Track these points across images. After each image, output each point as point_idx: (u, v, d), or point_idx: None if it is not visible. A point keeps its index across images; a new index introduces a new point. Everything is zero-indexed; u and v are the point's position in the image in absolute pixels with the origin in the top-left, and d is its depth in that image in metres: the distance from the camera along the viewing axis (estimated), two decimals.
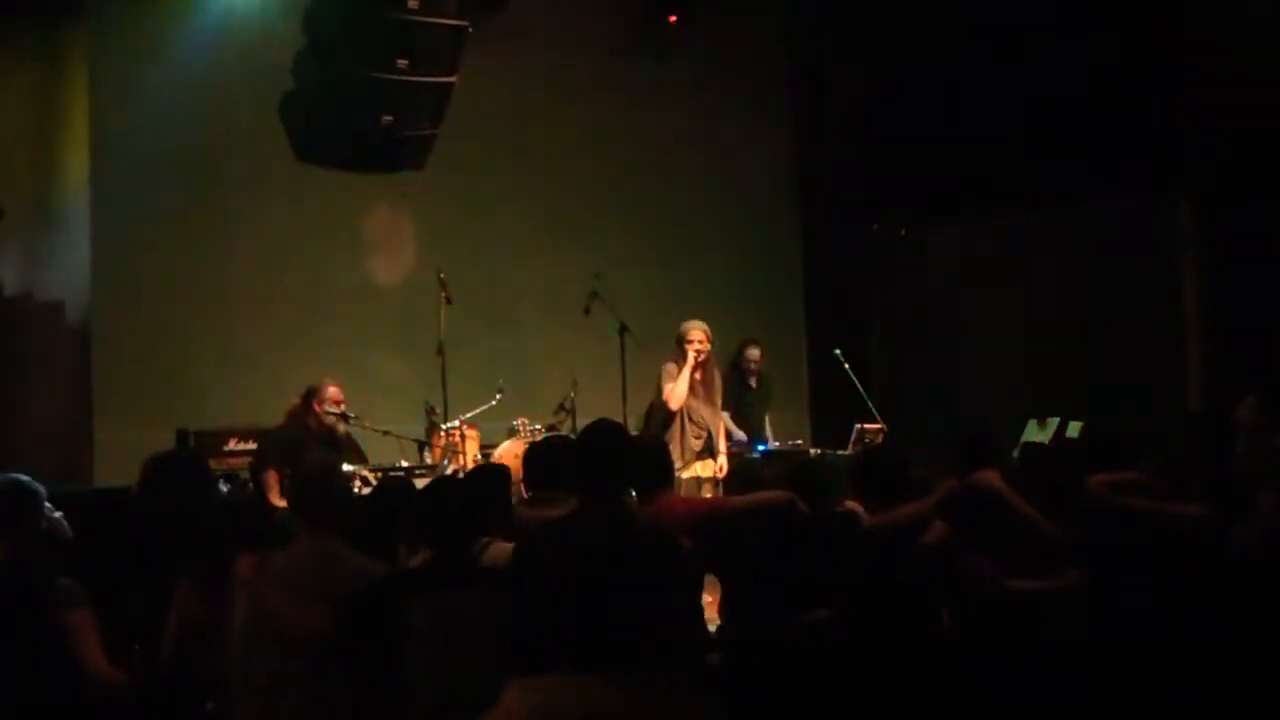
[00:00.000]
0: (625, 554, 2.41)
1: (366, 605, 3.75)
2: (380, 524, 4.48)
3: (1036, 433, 8.33)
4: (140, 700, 3.92)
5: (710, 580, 4.68)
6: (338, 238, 9.33)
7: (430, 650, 3.69)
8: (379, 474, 7.31)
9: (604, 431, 3.82)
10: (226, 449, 7.95)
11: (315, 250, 9.27)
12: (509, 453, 8.15)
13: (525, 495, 4.86)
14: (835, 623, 4.36)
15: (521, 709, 2.30)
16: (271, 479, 7.06)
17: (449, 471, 7.77)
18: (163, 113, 8.66)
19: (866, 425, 8.68)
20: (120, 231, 8.61)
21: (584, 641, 2.34)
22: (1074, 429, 8.19)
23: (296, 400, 7.77)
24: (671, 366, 7.56)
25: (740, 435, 8.59)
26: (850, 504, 4.90)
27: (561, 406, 8.48)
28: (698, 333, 7.58)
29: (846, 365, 8.97)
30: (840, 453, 8.50)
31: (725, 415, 8.27)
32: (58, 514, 4.32)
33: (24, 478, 4.17)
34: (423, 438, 8.34)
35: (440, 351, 8.23)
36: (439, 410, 8.21)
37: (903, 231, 11.08)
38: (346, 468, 7.32)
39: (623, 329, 8.02)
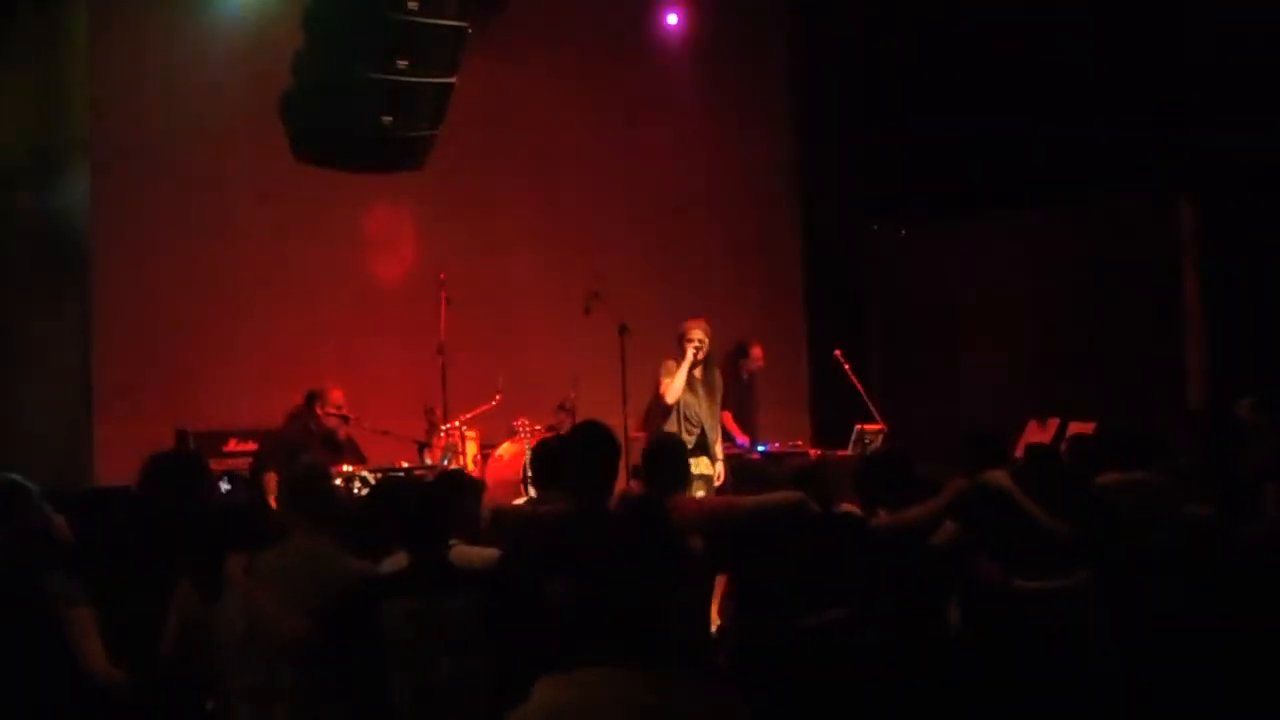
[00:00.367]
0: (646, 550, 2.43)
1: (347, 608, 3.76)
2: (377, 524, 4.49)
3: (1036, 433, 8.33)
4: (140, 700, 3.92)
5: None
6: (338, 238, 9.33)
7: (410, 652, 3.71)
8: (379, 475, 7.31)
9: (598, 431, 3.84)
10: (226, 449, 7.95)
11: (315, 250, 9.26)
12: (509, 453, 8.17)
13: (527, 494, 4.88)
14: (847, 623, 4.36)
15: (555, 704, 2.31)
16: (272, 480, 7.05)
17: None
18: (163, 112, 8.67)
19: (866, 426, 8.68)
20: (120, 231, 8.60)
21: (613, 637, 2.35)
22: (1076, 430, 8.18)
23: (298, 401, 7.78)
24: (671, 363, 7.61)
25: (742, 439, 8.59)
26: (846, 506, 4.91)
27: (561, 406, 8.48)
28: (698, 330, 7.62)
29: (846, 365, 8.97)
30: (840, 453, 8.51)
31: (726, 416, 8.28)
32: (59, 517, 4.32)
33: (15, 476, 4.17)
34: (423, 438, 8.34)
35: (440, 352, 8.23)
36: (439, 411, 8.21)
37: (903, 231, 11.08)
38: (346, 468, 7.35)
39: (623, 329, 8.03)
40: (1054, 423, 8.35)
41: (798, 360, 11.16)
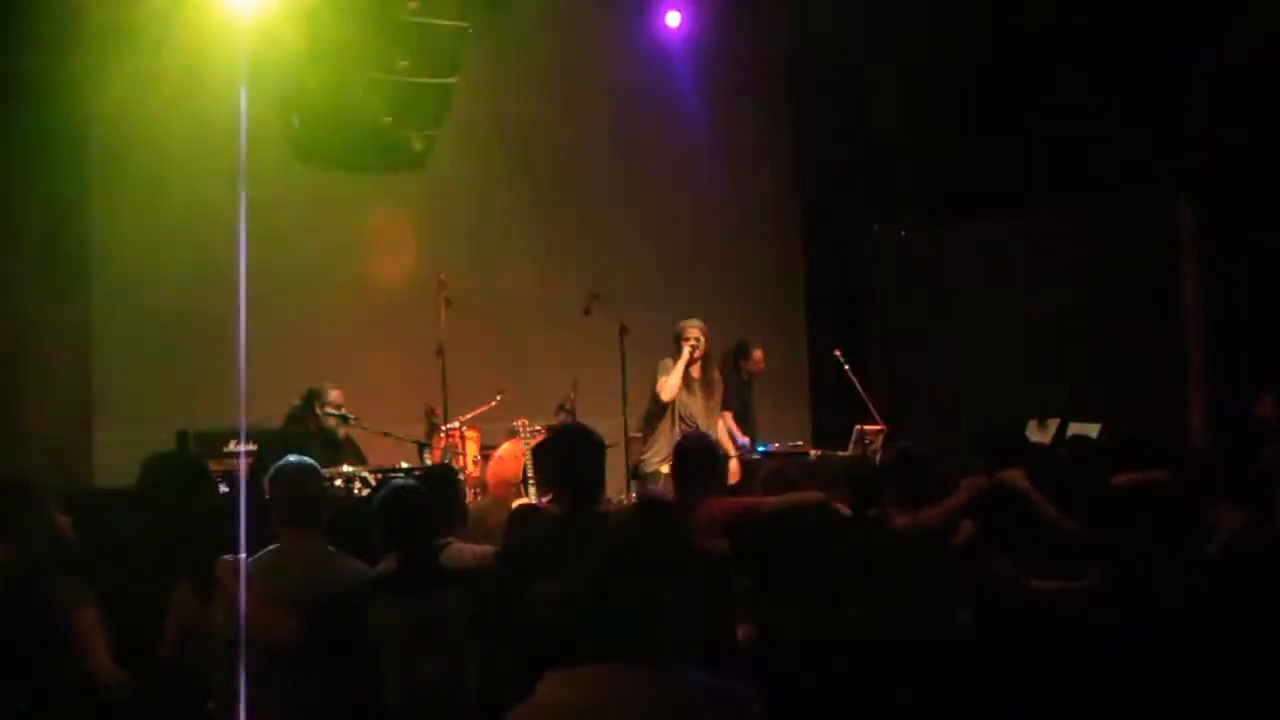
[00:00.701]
0: (650, 549, 2.43)
1: (337, 609, 3.76)
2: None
3: (1036, 433, 8.33)
4: (140, 700, 3.92)
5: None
6: (338, 238, 9.32)
7: (401, 652, 3.71)
8: (379, 475, 7.31)
9: (575, 434, 3.86)
10: (226, 450, 7.94)
11: (315, 251, 9.26)
12: (509, 453, 8.16)
13: (527, 495, 4.88)
14: (870, 623, 4.36)
15: (560, 700, 2.30)
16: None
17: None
18: (163, 112, 8.66)
19: (866, 426, 8.68)
20: (120, 231, 8.60)
21: (615, 635, 2.35)
22: (1076, 429, 8.18)
23: (297, 401, 7.78)
24: (668, 361, 7.67)
25: (743, 439, 8.59)
26: (837, 504, 4.92)
27: (561, 407, 8.48)
28: (694, 330, 7.67)
29: (846, 365, 8.97)
30: (840, 453, 8.50)
31: (727, 416, 8.28)
32: (64, 517, 4.32)
33: (22, 477, 4.17)
34: (423, 439, 8.33)
35: (440, 352, 8.22)
36: (439, 411, 8.21)
37: (903, 232, 11.08)
38: (347, 469, 7.35)
39: (623, 330, 8.03)
40: (1054, 423, 8.35)
41: (798, 360, 11.16)
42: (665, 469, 7.54)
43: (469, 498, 7.05)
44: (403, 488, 4.02)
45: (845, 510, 4.86)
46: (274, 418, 7.94)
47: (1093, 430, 8.12)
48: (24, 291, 8.60)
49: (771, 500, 4.85)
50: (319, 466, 4.44)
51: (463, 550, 4.16)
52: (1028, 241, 10.05)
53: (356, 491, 7.16)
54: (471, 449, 8.19)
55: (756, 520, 4.69)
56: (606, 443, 4.15)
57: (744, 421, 8.76)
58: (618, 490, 7.90)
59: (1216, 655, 4.35)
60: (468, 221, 9.76)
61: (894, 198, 10.63)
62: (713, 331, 7.78)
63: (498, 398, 8.41)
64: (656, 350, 7.93)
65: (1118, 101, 9.13)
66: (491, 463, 8.32)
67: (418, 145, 7.75)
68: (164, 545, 4.40)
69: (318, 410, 7.61)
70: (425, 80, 7.53)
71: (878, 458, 8.17)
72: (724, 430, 8.26)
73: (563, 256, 9.89)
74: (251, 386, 8.60)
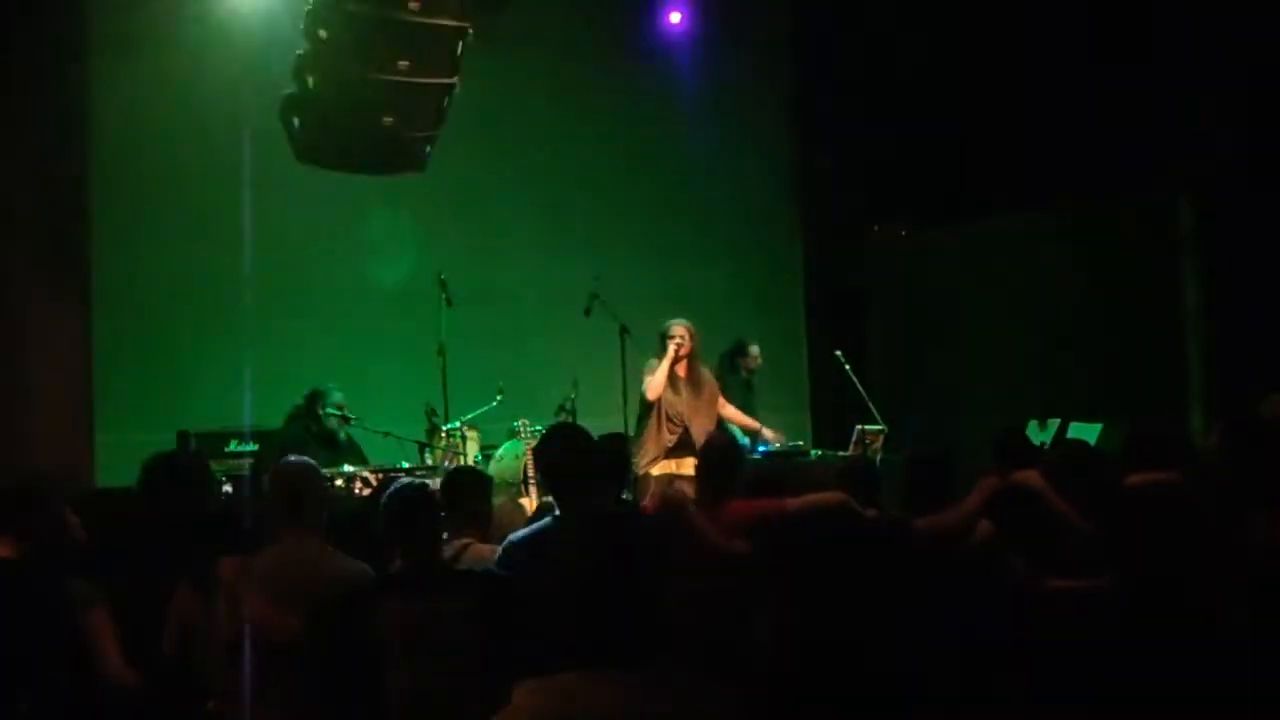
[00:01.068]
0: (628, 551, 2.41)
1: (341, 609, 3.75)
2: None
3: (1037, 433, 8.33)
4: (140, 700, 3.92)
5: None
6: (338, 239, 9.33)
7: (406, 654, 3.70)
8: (379, 475, 7.31)
9: (566, 433, 3.86)
10: (227, 450, 7.95)
11: (315, 251, 9.27)
12: (509, 453, 8.17)
13: (527, 495, 4.89)
14: (891, 624, 4.35)
15: (535, 710, 2.28)
16: None
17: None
18: (163, 112, 8.67)
19: (867, 426, 8.68)
20: (121, 231, 8.60)
21: (595, 640, 2.33)
22: (1076, 430, 8.19)
23: (298, 401, 7.78)
24: (654, 361, 7.71)
25: (751, 423, 8.57)
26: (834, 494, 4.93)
27: (562, 408, 8.48)
28: (679, 329, 7.70)
29: (846, 365, 8.97)
30: (841, 454, 8.50)
31: (727, 406, 8.27)
32: (74, 516, 4.32)
33: (36, 476, 4.17)
34: (423, 439, 8.34)
35: (441, 353, 8.23)
36: (439, 411, 8.21)
37: (903, 232, 11.08)
38: (347, 469, 7.35)
39: (623, 330, 8.04)
40: (1054, 423, 8.35)
41: (798, 360, 11.16)
42: (656, 471, 7.55)
43: None
44: (408, 487, 4.02)
45: (869, 512, 4.86)
46: (275, 418, 7.95)
47: (1093, 430, 8.13)
48: (24, 291, 8.60)
49: (793, 502, 4.85)
50: (319, 466, 4.45)
51: (481, 550, 4.15)
52: (1028, 242, 10.04)
53: (357, 491, 7.17)
54: (472, 449, 8.19)
55: (778, 522, 4.70)
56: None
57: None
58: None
59: (1243, 658, 4.34)
60: (468, 221, 9.77)
61: (894, 198, 10.62)
62: (713, 331, 7.79)
63: (498, 398, 8.41)
64: (657, 350, 7.94)
65: (1118, 101, 9.13)
66: (491, 463, 8.33)
67: (418, 146, 7.74)
68: (164, 545, 4.41)
69: (319, 410, 7.63)
70: (425, 80, 7.51)
71: (878, 458, 8.17)
72: (733, 416, 8.27)
73: (563, 257, 9.89)
74: (252, 386, 8.66)
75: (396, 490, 3.96)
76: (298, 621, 3.76)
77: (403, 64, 7.35)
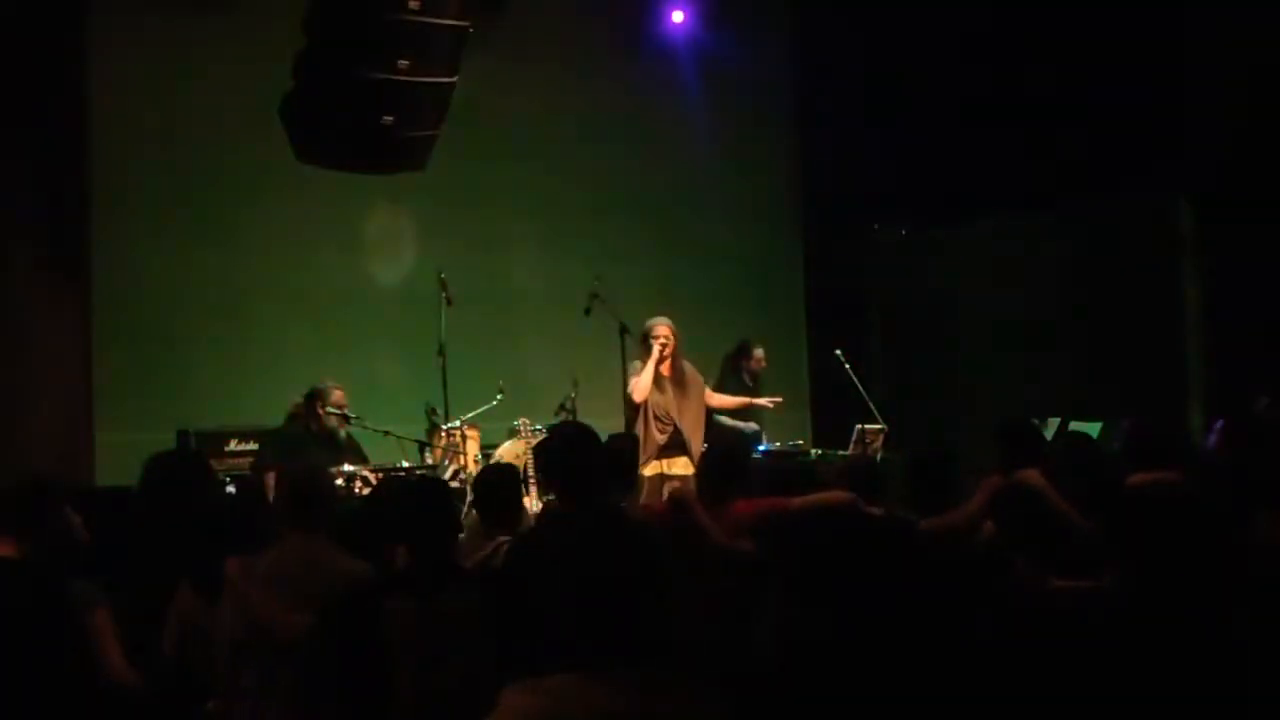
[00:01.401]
0: (620, 552, 2.40)
1: (347, 608, 3.75)
2: (376, 524, 4.50)
3: None
4: (141, 700, 3.92)
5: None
6: (338, 238, 9.33)
7: (413, 653, 3.70)
8: (380, 475, 7.32)
9: (577, 433, 3.86)
10: (227, 449, 7.95)
11: (315, 251, 9.27)
12: (510, 453, 8.17)
13: (527, 494, 4.88)
14: (896, 623, 4.35)
15: (526, 710, 2.27)
16: (272, 480, 7.05)
17: (448, 473, 7.79)
18: (163, 112, 8.67)
19: (867, 425, 8.68)
20: (121, 231, 8.60)
21: (585, 642, 2.32)
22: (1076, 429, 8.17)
23: (298, 401, 7.78)
24: (638, 363, 7.68)
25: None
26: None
27: (562, 407, 8.48)
28: (663, 328, 7.67)
29: (846, 365, 8.96)
30: (841, 453, 8.50)
31: (723, 397, 8.29)
32: (77, 516, 4.32)
33: (41, 476, 4.16)
34: (423, 438, 8.34)
35: (441, 352, 8.23)
36: (440, 411, 8.21)
37: (903, 231, 11.08)
38: (347, 468, 7.35)
39: (623, 330, 8.03)
40: (1054, 423, 8.34)
41: (798, 360, 11.16)
42: (648, 471, 7.55)
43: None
44: (412, 484, 4.01)
45: (875, 511, 4.86)
46: (275, 418, 7.94)
47: (1093, 429, 8.12)
48: (24, 292, 8.60)
49: (798, 501, 4.84)
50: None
51: None
52: (1028, 241, 10.04)
53: (357, 491, 7.17)
54: (472, 448, 8.19)
55: (783, 521, 4.70)
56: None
57: (744, 421, 8.76)
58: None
59: (1243, 657, 4.34)
60: (468, 221, 9.77)
61: (894, 198, 10.62)
62: (713, 331, 7.78)
63: (498, 397, 8.41)
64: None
65: (1118, 102, 9.13)
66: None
67: (418, 145, 7.73)
68: (164, 545, 4.41)
69: (319, 409, 7.62)
70: (425, 79, 7.50)
71: (878, 456, 8.17)
72: (723, 403, 8.30)
73: (563, 256, 9.89)
74: (252, 386, 8.67)
75: (412, 484, 3.95)
76: (302, 619, 3.76)
77: (403, 63, 7.34)
